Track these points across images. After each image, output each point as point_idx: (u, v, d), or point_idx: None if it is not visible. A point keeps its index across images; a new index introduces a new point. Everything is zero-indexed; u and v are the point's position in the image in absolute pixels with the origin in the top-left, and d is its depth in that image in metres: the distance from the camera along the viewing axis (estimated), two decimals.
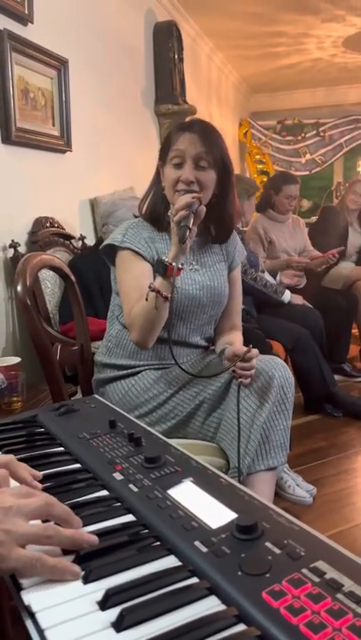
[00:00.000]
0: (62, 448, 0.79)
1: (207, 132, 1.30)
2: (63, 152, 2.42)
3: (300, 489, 1.88)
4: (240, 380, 1.20)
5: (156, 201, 1.38)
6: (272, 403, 1.18)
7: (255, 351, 1.19)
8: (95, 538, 0.53)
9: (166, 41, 3.41)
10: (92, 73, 2.70)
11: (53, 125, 2.33)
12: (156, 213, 1.38)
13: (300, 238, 3.30)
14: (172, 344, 1.28)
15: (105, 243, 1.39)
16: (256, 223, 3.20)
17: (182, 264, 1.22)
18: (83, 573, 0.49)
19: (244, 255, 1.51)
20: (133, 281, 1.30)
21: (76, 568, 0.49)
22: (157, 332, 1.26)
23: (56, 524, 0.54)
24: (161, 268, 1.20)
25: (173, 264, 1.18)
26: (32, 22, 2.10)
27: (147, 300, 1.20)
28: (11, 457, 0.63)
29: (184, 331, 1.37)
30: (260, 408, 1.18)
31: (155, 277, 1.25)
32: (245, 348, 1.19)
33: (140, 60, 3.32)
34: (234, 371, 1.20)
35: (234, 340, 1.37)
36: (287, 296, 2.78)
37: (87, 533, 0.54)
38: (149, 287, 1.20)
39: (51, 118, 2.32)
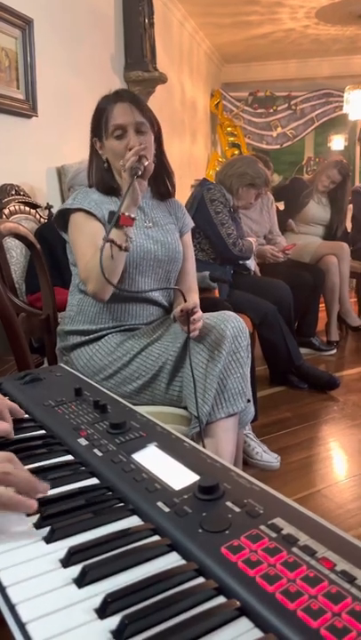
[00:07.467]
0: (27, 415, 0.79)
1: (137, 99, 1.38)
2: (29, 117, 2.34)
3: (268, 455, 1.94)
4: (192, 331, 1.23)
5: (101, 172, 1.45)
6: (226, 353, 1.23)
7: (193, 302, 1.22)
8: (47, 486, 0.57)
9: (136, 4, 3.29)
10: (58, 35, 2.60)
11: (18, 88, 2.24)
12: (104, 182, 1.44)
13: (265, 221, 3.28)
14: (133, 300, 1.36)
15: (56, 212, 1.43)
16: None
17: (134, 216, 1.28)
18: (47, 530, 0.50)
19: (191, 225, 1.57)
20: (88, 238, 1.34)
21: (33, 502, 0.53)
22: (114, 282, 1.29)
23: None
24: (114, 219, 1.25)
25: (126, 213, 1.25)
26: None
27: (101, 251, 1.22)
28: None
29: (143, 284, 1.41)
30: (214, 359, 1.23)
31: (108, 233, 1.29)
32: (189, 303, 1.22)
33: (109, 24, 3.20)
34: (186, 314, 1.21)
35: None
36: (251, 265, 2.80)
37: (41, 482, 0.57)
38: (103, 239, 1.23)
39: (15, 80, 2.23)
